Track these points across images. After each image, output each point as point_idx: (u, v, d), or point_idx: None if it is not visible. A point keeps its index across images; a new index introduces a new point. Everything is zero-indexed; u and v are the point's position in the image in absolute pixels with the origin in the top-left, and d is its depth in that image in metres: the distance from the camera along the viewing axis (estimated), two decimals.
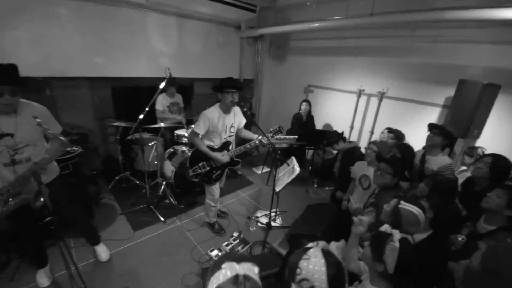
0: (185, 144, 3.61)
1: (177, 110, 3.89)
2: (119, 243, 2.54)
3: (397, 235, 1.09)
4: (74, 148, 2.56)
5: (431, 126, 2.37)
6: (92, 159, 3.69)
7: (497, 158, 1.91)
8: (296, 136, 3.86)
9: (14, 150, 1.59)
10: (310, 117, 4.40)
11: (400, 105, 3.65)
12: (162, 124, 3.32)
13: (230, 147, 2.58)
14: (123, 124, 3.05)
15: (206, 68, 4.52)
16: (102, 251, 2.35)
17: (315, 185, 4.10)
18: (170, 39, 3.97)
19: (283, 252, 2.51)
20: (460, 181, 2.28)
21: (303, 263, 0.90)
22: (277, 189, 2.62)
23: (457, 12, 2.38)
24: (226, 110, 2.44)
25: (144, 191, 3.27)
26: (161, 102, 3.68)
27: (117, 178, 3.41)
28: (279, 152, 2.67)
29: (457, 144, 2.96)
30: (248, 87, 5.38)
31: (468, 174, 2.36)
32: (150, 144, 3.36)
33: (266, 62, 5.23)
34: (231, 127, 2.54)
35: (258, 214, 3.21)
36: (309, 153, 4.73)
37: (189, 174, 2.52)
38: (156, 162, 3.30)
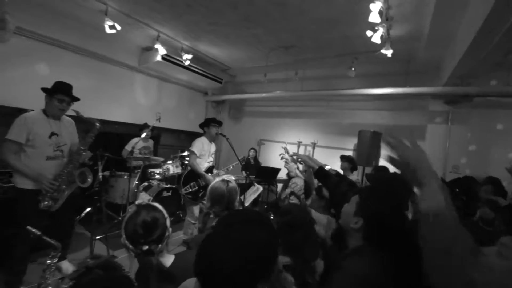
0: (159, 180, 4.01)
1: (148, 154, 4.39)
2: None
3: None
4: None
5: (341, 157, 3.69)
6: None
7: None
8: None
9: (57, 147, 2.04)
10: (256, 161, 5.45)
11: (327, 151, 5.04)
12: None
13: (214, 171, 3.28)
14: (111, 156, 3.44)
15: (175, 121, 5.37)
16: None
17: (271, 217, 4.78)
18: (150, 95, 4.82)
19: None
20: None
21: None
22: (246, 204, 3.29)
23: (350, 91, 4.05)
24: (210, 140, 3.27)
25: (120, 218, 3.41)
26: (133, 143, 3.99)
27: (88, 209, 3.47)
28: (249, 176, 3.47)
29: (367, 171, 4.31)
30: None
31: None
32: (125, 177, 3.70)
33: (226, 122, 6.38)
34: (212, 154, 3.31)
35: None
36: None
37: (182, 192, 3.05)
38: (136, 190, 3.60)
